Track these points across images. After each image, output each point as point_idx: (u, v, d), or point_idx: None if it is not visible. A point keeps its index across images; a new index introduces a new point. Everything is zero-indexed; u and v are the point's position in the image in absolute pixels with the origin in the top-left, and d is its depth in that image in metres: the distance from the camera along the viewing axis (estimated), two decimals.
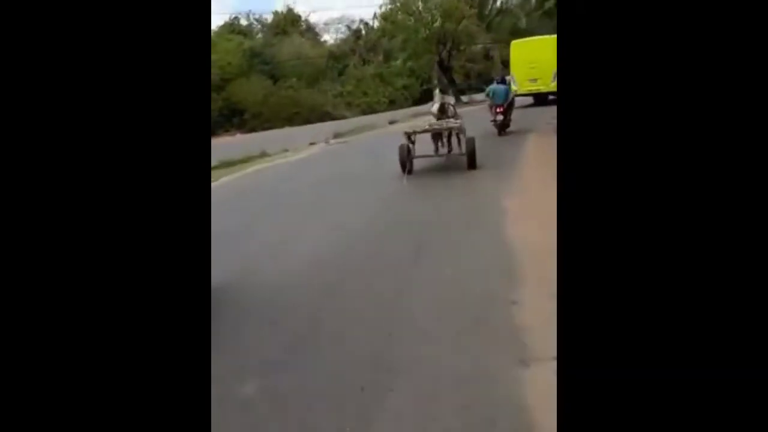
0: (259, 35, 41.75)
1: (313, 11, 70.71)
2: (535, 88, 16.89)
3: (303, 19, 43.44)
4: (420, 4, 26.59)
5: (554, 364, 1.20)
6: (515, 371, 2.25)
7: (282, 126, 30.12)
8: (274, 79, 35.48)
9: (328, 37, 44.28)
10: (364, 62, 38.80)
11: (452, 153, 7.98)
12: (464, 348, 2.50)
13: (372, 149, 11.77)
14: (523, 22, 40.31)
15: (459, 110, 8.76)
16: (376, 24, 34.42)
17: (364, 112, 33.52)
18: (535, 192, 5.46)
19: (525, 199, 5.29)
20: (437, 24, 26.05)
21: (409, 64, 33.02)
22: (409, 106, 32.50)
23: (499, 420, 1.96)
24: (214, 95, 29.03)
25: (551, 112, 10.62)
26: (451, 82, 25.03)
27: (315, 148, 14.05)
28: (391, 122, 19.99)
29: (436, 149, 8.19)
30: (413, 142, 7.51)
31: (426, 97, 27.66)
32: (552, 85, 16.03)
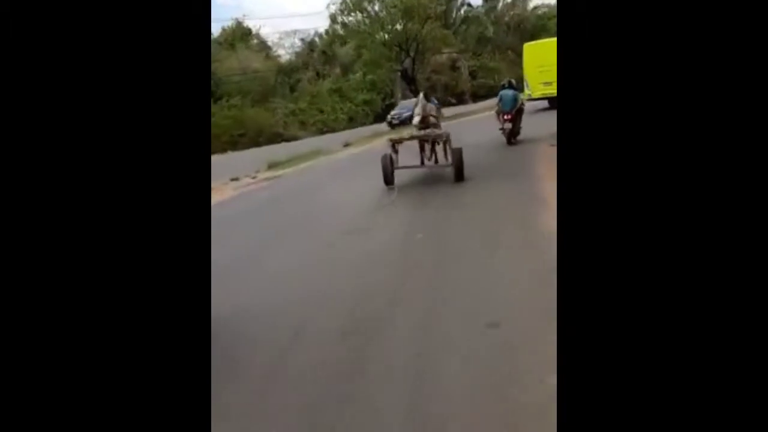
0: None
1: (264, 24, 64.27)
2: (549, 91, 15.39)
3: (254, 33, 39.43)
4: (376, 2, 22.09)
5: None
6: None
7: (224, 150, 25.85)
8: (214, 98, 30.81)
9: (283, 52, 40.33)
10: (319, 76, 34.97)
11: (439, 164, 7.52)
12: None
13: (312, 190, 8.60)
14: (490, 31, 37.74)
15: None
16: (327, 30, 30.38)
17: (321, 132, 29.82)
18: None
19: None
20: (398, 26, 21.93)
21: (370, 77, 29.58)
22: (371, 123, 29.04)
23: None
24: None
25: None
26: (415, 94, 21.21)
27: (228, 190, 9.88)
28: (346, 145, 16.30)
29: (422, 161, 7.61)
30: (397, 152, 7.25)
31: (388, 113, 24.15)
32: None
